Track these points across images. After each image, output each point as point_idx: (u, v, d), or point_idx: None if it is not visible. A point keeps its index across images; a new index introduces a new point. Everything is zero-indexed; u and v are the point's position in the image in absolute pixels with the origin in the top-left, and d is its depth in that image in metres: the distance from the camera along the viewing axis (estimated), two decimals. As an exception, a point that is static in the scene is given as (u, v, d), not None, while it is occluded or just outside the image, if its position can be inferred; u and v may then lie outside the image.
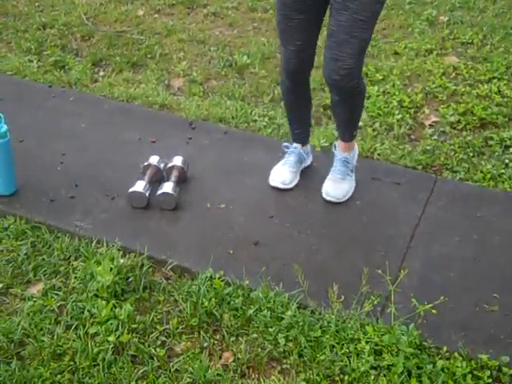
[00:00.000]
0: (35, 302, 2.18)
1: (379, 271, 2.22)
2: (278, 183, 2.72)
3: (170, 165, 2.77)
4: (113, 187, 2.75)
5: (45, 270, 2.35)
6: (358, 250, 2.46)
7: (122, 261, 2.27)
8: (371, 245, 2.48)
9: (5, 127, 2.55)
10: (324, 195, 2.68)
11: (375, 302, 2.11)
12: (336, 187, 2.68)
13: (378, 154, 3.08)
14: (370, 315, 2.14)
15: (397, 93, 3.62)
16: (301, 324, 2.09)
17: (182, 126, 3.22)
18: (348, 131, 2.67)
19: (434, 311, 2.05)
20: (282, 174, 2.74)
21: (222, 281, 2.25)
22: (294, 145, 2.81)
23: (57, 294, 2.24)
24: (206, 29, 4.50)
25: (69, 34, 4.30)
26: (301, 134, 2.79)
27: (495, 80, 3.80)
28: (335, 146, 2.77)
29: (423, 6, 4.82)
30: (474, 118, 3.40)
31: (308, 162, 2.87)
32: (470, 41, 4.31)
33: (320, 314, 2.15)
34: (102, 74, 3.84)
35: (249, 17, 4.73)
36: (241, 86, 3.70)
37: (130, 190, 2.60)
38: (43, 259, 2.38)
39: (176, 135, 3.13)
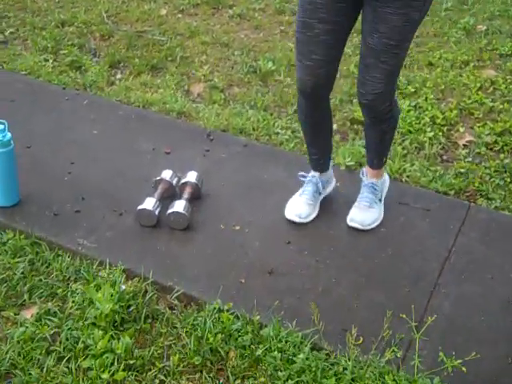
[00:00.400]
0: (27, 328, 2.01)
1: (403, 316, 2.00)
2: (293, 216, 2.50)
3: (183, 181, 2.59)
4: (121, 202, 2.58)
5: (41, 292, 2.18)
6: (381, 285, 2.25)
7: (123, 287, 2.10)
8: (395, 280, 2.27)
9: (8, 135, 2.39)
10: (348, 221, 2.49)
11: (398, 354, 1.89)
12: (362, 214, 2.49)
13: (407, 176, 2.87)
14: (391, 362, 1.93)
15: (429, 108, 3.41)
16: (313, 369, 1.89)
17: (200, 136, 3.04)
18: (377, 158, 2.47)
19: (463, 369, 1.83)
20: (299, 207, 2.52)
21: (230, 314, 2.06)
22: (312, 173, 2.58)
23: (51, 320, 2.06)
24: (231, 31, 4.31)
25: (88, 32, 4.15)
26: (319, 160, 2.56)
27: (536, 97, 3.56)
28: (363, 172, 2.56)
29: (460, 14, 4.59)
30: (513, 138, 3.17)
31: (329, 189, 2.66)
32: (510, 52, 4.08)
33: (335, 357, 1.95)
34: (119, 76, 3.67)
35: (276, 20, 4.54)
36: (264, 95, 3.51)
37: (139, 207, 2.43)
38: (40, 280, 2.22)
39: (192, 146, 2.95)
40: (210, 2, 4.72)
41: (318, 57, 2.16)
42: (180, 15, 4.55)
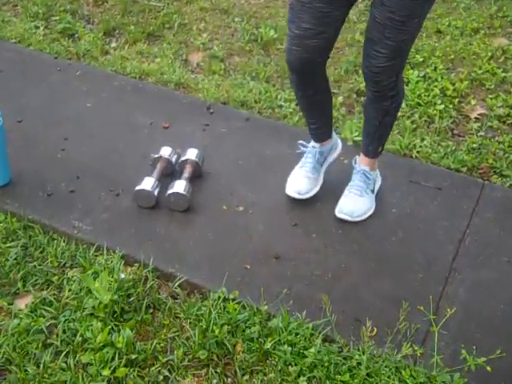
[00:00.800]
0: (21, 319, 1.89)
1: (421, 308, 1.89)
2: (293, 193, 2.37)
3: (183, 158, 2.45)
4: (118, 181, 2.45)
5: (35, 280, 2.06)
6: (393, 271, 2.14)
7: (123, 276, 1.98)
8: (408, 265, 2.16)
9: (-3, 111, 2.24)
10: (336, 212, 2.33)
11: (418, 352, 1.79)
12: (352, 204, 2.33)
13: (417, 152, 2.73)
14: (407, 356, 1.83)
15: (439, 79, 3.25)
16: (326, 364, 1.79)
17: (199, 109, 2.89)
18: (373, 144, 2.32)
19: (489, 368, 1.72)
20: (298, 182, 2.38)
21: (236, 303, 1.95)
22: (312, 144, 2.44)
23: (47, 311, 1.95)
24: (231, -5, 4.11)
25: (80, -3, 3.94)
26: (318, 129, 2.38)
27: (550, 66, 3.41)
28: (355, 160, 2.43)
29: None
30: (527, 111, 3.04)
31: (334, 155, 2.51)
32: (521, 19, 3.90)
33: (349, 350, 1.85)
34: (113, 45, 3.49)
35: (278, -16, 4.32)
36: (266, 65, 3.35)
37: (137, 187, 2.30)
38: (34, 266, 2.10)
39: (191, 120, 2.81)
40: (208, -36, 4.50)
41: (308, 25, 1.94)
42: (176, -21, 4.33)
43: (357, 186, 2.36)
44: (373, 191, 2.40)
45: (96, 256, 2.13)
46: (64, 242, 2.18)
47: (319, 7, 1.91)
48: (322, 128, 2.39)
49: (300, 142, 2.48)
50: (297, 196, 2.36)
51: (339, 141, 2.52)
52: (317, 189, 2.42)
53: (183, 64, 3.35)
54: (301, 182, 2.39)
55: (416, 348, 1.82)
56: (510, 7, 4.03)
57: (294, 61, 2.04)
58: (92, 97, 2.93)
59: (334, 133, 2.46)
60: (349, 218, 2.31)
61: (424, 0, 1.88)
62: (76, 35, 3.54)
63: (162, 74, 3.18)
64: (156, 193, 2.31)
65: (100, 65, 3.26)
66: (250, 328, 1.89)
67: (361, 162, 2.39)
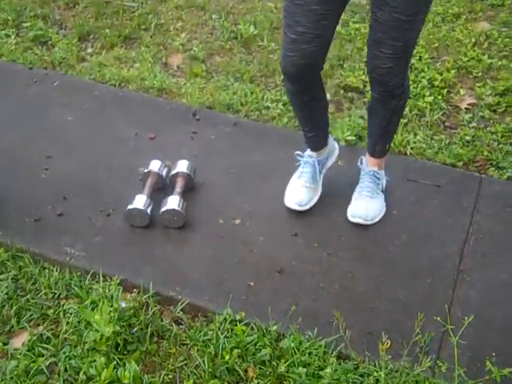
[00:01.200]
0: (19, 361, 1.79)
1: (438, 318, 1.84)
2: (293, 204, 2.29)
3: (174, 171, 2.36)
4: (107, 199, 2.35)
5: (30, 315, 1.96)
6: (400, 277, 2.08)
7: (124, 305, 1.88)
8: (415, 270, 2.11)
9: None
10: (350, 217, 2.27)
11: (442, 368, 1.73)
12: (364, 207, 2.27)
13: (412, 149, 2.67)
14: (426, 369, 1.77)
15: (426, 69, 3.19)
16: (343, 384, 1.72)
17: (185, 116, 2.79)
18: (380, 144, 2.25)
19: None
20: (298, 194, 2.31)
21: (243, 324, 1.88)
22: (308, 153, 2.36)
23: (45, 348, 1.85)
24: (205, -9, 3.99)
25: (50, 0, 3.79)
26: (314, 137, 2.31)
27: (535, 51, 3.37)
28: (361, 161, 2.36)
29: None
30: (516, 98, 2.99)
31: (331, 162, 2.44)
32: (501, 2, 3.85)
33: (365, 367, 1.78)
34: (89, 50, 3.37)
35: (251, -24, 4.21)
36: (248, 64, 3.25)
37: (129, 206, 2.20)
38: (28, 300, 2.00)
39: (178, 129, 2.71)
40: (179, -42, 4.37)
41: (304, 29, 1.85)
42: (148, -24, 4.19)
43: (367, 187, 2.29)
44: (383, 191, 2.34)
45: (92, 284, 2.03)
46: (57, 270, 2.08)
47: (315, 9, 1.82)
48: (318, 136, 2.32)
49: (296, 152, 2.40)
50: (298, 208, 2.29)
51: (336, 144, 2.45)
52: (316, 198, 2.35)
53: (163, 68, 3.24)
54: (300, 192, 2.31)
55: (433, 359, 1.76)
56: (489, -11, 3.97)
57: (291, 67, 1.95)
58: (72, 109, 2.81)
59: (330, 137, 2.38)
60: (363, 222, 2.26)
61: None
62: (49, 42, 3.41)
63: (142, 80, 3.07)
64: (149, 211, 2.22)
65: (77, 73, 3.14)
66: (260, 350, 1.82)
67: (368, 163, 2.32)
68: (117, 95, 2.93)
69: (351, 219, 2.25)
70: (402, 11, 1.78)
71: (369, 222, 2.25)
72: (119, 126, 2.72)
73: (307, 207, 2.31)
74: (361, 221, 2.24)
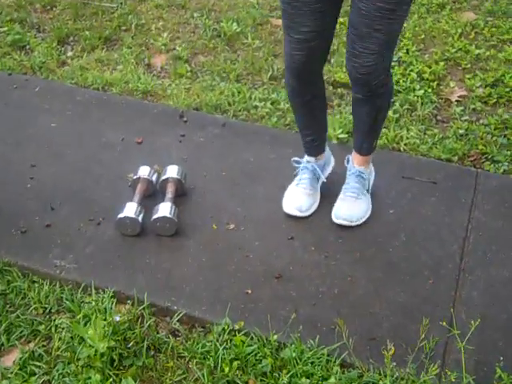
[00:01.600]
0: (11, 381, 1.72)
1: (443, 323, 1.79)
2: (293, 210, 2.23)
3: (164, 177, 2.29)
4: (96, 207, 2.27)
5: (21, 332, 1.89)
6: (401, 278, 2.03)
7: (118, 318, 1.81)
8: (415, 270, 2.06)
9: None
10: (334, 218, 2.21)
11: (452, 377, 1.68)
12: (349, 208, 2.21)
13: (405, 145, 2.62)
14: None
15: (414, 62, 3.15)
16: (349, 394, 1.67)
17: (172, 118, 2.72)
18: (367, 141, 2.19)
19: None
20: (298, 199, 2.25)
21: (243, 334, 1.82)
22: (306, 158, 2.30)
23: (38, 366, 1.78)
24: (185, -11, 3.91)
25: (27, 3, 3.69)
26: (313, 141, 2.26)
27: (521, 39, 3.34)
28: (348, 160, 2.30)
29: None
30: (507, 89, 2.95)
31: (328, 170, 2.39)
32: (485, -9, 3.81)
33: (369, 375, 1.73)
34: (70, 54, 3.28)
35: (232, -28, 4.14)
36: (234, 62, 3.18)
37: (120, 215, 2.13)
38: (17, 316, 1.92)
39: (166, 132, 2.64)
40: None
41: (309, 29, 1.84)
42: (126, -25, 4.10)
43: (352, 188, 2.24)
44: (368, 190, 2.28)
45: (84, 297, 1.96)
46: (47, 284, 2.00)
47: (317, 8, 1.79)
48: (317, 140, 2.27)
49: (294, 159, 2.34)
50: (298, 214, 2.23)
51: (332, 157, 2.40)
52: (316, 205, 2.29)
53: (147, 69, 3.16)
54: (300, 198, 2.26)
55: (439, 365, 1.71)
56: (472, -22, 3.93)
57: (297, 65, 1.94)
58: (56, 115, 2.73)
59: (327, 148, 2.33)
60: (347, 223, 2.20)
61: None
62: (28, 46, 3.31)
63: (126, 83, 2.99)
64: (140, 219, 2.15)
65: (59, 77, 3.05)
66: (261, 361, 1.77)
67: (354, 162, 2.26)
68: (100, 99, 2.85)
69: (335, 220, 2.20)
70: (387, 0, 1.71)
71: (353, 224, 2.20)
72: (105, 131, 2.64)
73: (308, 213, 2.25)
74: (345, 222, 2.19)
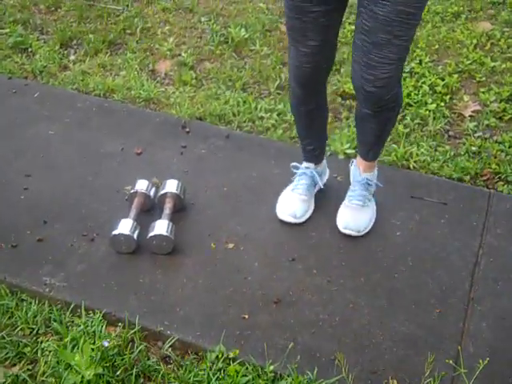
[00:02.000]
0: (-7, 408, 1.64)
1: (449, 361, 1.69)
2: (287, 216, 2.17)
3: (162, 191, 2.20)
4: (91, 222, 2.19)
5: (6, 354, 1.80)
6: (406, 307, 1.93)
7: (107, 344, 1.73)
8: (422, 298, 1.96)
9: None
10: (341, 228, 2.15)
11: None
12: (355, 218, 2.15)
13: (415, 162, 2.52)
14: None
15: (426, 73, 3.04)
16: (348, 434, 1.57)
17: (174, 128, 2.63)
18: (373, 150, 2.12)
19: None
20: (292, 205, 2.19)
21: (237, 363, 1.72)
22: (305, 164, 2.25)
23: (22, 393, 1.69)
24: (195, -8, 3.82)
25: (31, 4, 3.61)
26: (314, 150, 2.21)
27: (538, 52, 3.22)
28: (353, 163, 2.24)
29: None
30: (523, 104, 2.84)
31: (324, 180, 2.32)
32: (502, 0, 3.69)
33: (370, 413, 1.63)
34: (72, 57, 3.19)
35: (242, -24, 4.04)
36: (240, 70, 3.09)
37: (114, 232, 2.04)
38: (3, 337, 1.84)
39: (167, 143, 2.55)
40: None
41: (316, 42, 1.80)
42: (135, -24, 4.02)
43: (358, 196, 2.18)
44: (373, 195, 2.23)
45: (74, 318, 1.87)
46: (35, 303, 1.92)
47: (322, 22, 1.75)
48: (317, 149, 2.22)
49: (292, 164, 2.27)
50: (292, 220, 2.16)
51: (327, 169, 2.33)
52: (310, 212, 2.24)
53: (150, 75, 3.07)
54: (295, 204, 2.20)
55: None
56: (489, -14, 3.82)
57: (304, 76, 1.90)
58: (54, 122, 2.64)
59: (325, 158, 2.27)
60: (355, 234, 2.15)
61: None
62: (30, 49, 3.23)
63: (128, 90, 2.90)
64: (135, 236, 2.06)
65: (60, 82, 2.96)
66: (256, 394, 1.67)
67: (360, 168, 2.19)
68: (101, 106, 2.76)
69: (342, 230, 2.14)
70: (408, 2, 1.60)
71: (361, 233, 2.14)
72: (104, 140, 2.56)
73: (302, 219, 2.19)
74: (353, 233, 2.14)
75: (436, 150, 2.59)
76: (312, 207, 2.25)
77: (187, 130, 2.62)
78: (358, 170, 2.20)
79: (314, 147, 2.20)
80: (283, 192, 2.26)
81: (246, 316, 1.89)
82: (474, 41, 3.31)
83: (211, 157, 2.48)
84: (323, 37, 1.80)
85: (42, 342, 1.82)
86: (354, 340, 1.83)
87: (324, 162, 2.31)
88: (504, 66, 3.11)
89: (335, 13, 1.77)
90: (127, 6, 3.63)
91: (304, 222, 2.20)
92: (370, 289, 1.98)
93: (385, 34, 1.66)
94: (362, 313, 1.91)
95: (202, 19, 3.53)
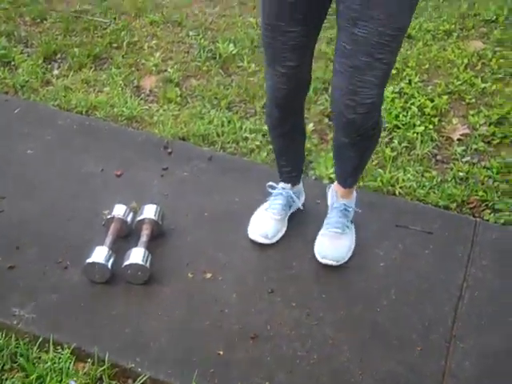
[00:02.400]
0: None
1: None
2: (258, 236, 2.13)
3: (140, 217, 2.14)
4: (66, 249, 2.13)
5: (-31, 390, 1.73)
6: (388, 343, 1.88)
7: (73, 383, 1.66)
8: (404, 334, 1.90)
9: None
10: (319, 258, 2.08)
11: None
12: (334, 246, 2.08)
13: (401, 188, 2.46)
14: None
15: (416, 94, 2.99)
16: None
17: (156, 149, 2.57)
18: (352, 177, 2.07)
19: None
20: (265, 225, 2.14)
21: (210, 404, 1.66)
22: (282, 185, 2.20)
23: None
24: (183, 5, 3.78)
25: (16, 16, 3.55)
26: (291, 172, 2.17)
27: (530, 73, 3.18)
28: (330, 189, 2.20)
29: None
30: (512, 128, 2.79)
31: (299, 203, 2.26)
32: (495, 18, 3.68)
33: None
34: (55, 72, 3.13)
35: (233, -12, 4.00)
36: (226, 87, 3.03)
37: (88, 260, 1.98)
38: (-34, 372, 1.77)
39: (148, 164, 2.49)
40: (157, -32, 4.14)
41: (293, 63, 1.75)
42: (123, -12, 3.96)
43: (337, 223, 2.12)
44: (352, 221, 2.16)
45: (41, 354, 1.80)
46: (2, 336, 1.85)
47: (299, 42, 1.70)
48: (294, 171, 2.18)
49: (269, 183, 2.22)
50: (263, 241, 2.14)
51: (303, 192, 2.29)
52: (282, 233, 2.19)
53: (135, 92, 3.01)
54: (267, 224, 2.16)
55: None
56: (481, 4, 3.79)
57: (281, 97, 1.85)
58: (33, 141, 2.58)
59: (301, 180, 2.24)
60: (334, 263, 2.07)
61: (414, 4, 1.58)
62: (12, 63, 3.17)
63: (111, 107, 2.84)
64: (110, 264, 1.99)
65: (41, 98, 2.90)
66: None
67: (338, 193, 2.14)
68: (83, 124, 2.70)
69: (320, 260, 2.08)
70: (389, 23, 1.54)
71: (340, 263, 2.08)
72: (84, 160, 2.50)
73: (274, 240, 2.16)
74: (332, 262, 2.07)
75: (423, 176, 2.54)
76: (284, 229, 2.20)
77: (169, 150, 2.56)
78: (336, 196, 2.14)
79: (290, 169, 2.16)
80: (256, 211, 2.22)
81: (222, 352, 1.83)
82: (465, 60, 3.27)
83: (193, 180, 2.42)
84: (300, 57, 1.75)
85: (6, 379, 1.75)
86: (332, 379, 1.77)
87: (300, 185, 2.26)
88: (494, 87, 3.06)
89: (312, 33, 1.73)
90: (114, 18, 3.57)
91: (285, 251, 2.13)
92: (351, 323, 1.93)
93: (366, 57, 1.59)
94: (341, 349, 1.85)
95: (190, 33, 3.47)
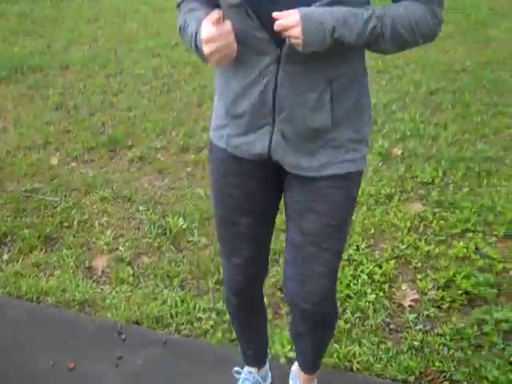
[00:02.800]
0: None
1: None
2: None
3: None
4: None
5: None
6: None
7: None
8: None
9: None
10: None
11: None
12: None
13: (358, 363, 2.46)
14: None
15: (364, 260, 3.07)
16: None
17: (109, 335, 2.53)
18: (312, 362, 2.07)
19: None
20: None
21: None
22: (247, 369, 2.18)
23: None
24: (132, 179, 3.89)
25: (-34, 199, 3.58)
26: (254, 354, 2.16)
27: (469, 233, 3.33)
28: (292, 375, 2.19)
29: (372, 135, 4.39)
30: (459, 291, 2.86)
31: (268, 382, 2.25)
32: (431, 180, 3.89)
33: None
34: (5, 257, 3.12)
35: (180, 159, 4.18)
36: (178, 264, 3.06)
37: None
38: None
39: (101, 353, 2.44)
40: (106, 143, 4.30)
41: (249, 253, 1.78)
42: (74, 163, 4.09)
43: None
44: None
45: None
46: None
47: (255, 232, 1.74)
48: (258, 353, 2.16)
49: (235, 369, 2.20)
50: None
51: (269, 372, 2.25)
52: None
53: (86, 273, 3.01)
54: None
55: None
56: (417, 166, 4.02)
57: (238, 288, 1.86)
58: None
59: (267, 361, 2.21)
60: None
61: (354, 201, 1.66)
62: (-40, 250, 3.14)
63: (63, 292, 2.82)
64: None
65: (-10, 286, 2.86)
66: None
67: (299, 377, 2.12)
68: (33, 313, 2.65)
69: None
70: (333, 216, 1.61)
71: None
72: (33, 355, 2.43)
73: None
74: None
75: (378, 347, 2.55)
76: None
77: (123, 336, 2.52)
78: (298, 381, 2.12)
79: (254, 351, 2.14)
80: None
81: None
82: (408, 223, 3.40)
83: (147, 369, 2.38)
84: (257, 247, 1.78)
85: None
86: None
87: (267, 366, 2.24)
88: (437, 250, 3.18)
89: (266, 221, 1.76)
90: (65, 196, 3.63)
91: None
92: None
93: (312, 247, 1.64)
94: None
95: (140, 208, 3.54)
